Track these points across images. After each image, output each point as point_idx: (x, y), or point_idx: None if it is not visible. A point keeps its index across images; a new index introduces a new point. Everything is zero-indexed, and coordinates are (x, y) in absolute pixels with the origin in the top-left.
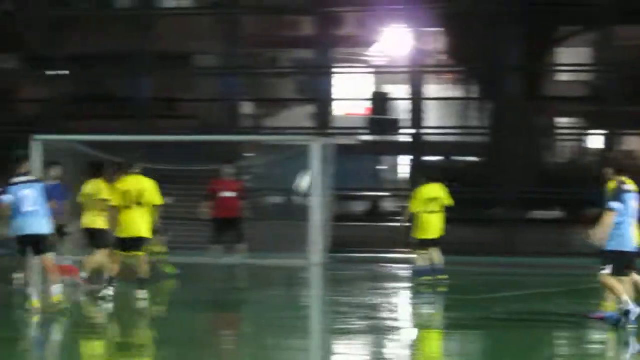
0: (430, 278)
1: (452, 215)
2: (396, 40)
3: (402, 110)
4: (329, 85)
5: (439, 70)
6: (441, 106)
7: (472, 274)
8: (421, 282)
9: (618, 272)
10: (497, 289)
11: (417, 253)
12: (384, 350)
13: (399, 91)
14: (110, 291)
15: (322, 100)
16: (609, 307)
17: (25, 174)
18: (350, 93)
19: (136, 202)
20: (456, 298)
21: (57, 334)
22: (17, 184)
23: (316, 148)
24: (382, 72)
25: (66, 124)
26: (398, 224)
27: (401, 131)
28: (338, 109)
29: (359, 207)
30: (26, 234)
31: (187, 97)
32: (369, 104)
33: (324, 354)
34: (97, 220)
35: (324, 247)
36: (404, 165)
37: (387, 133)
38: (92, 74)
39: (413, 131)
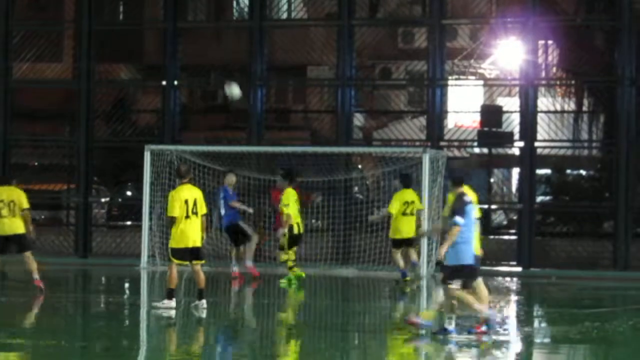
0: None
1: (563, 229)
2: (510, 53)
3: (514, 123)
4: (441, 97)
5: (552, 83)
6: (553, 119)
7: (582, 287)
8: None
9: (468, 284)
10: (607, 303)
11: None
12: None
13: (511, 104)
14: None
15: (435, 112)
16: (428, 316)
17: None
18: (462, 105)
19: (193, 212)
20: (565, 312)
21: None
22: None
23: (427, 160)
24: (495, 85)
25: (180, 134)
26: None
27: (513, 144)
28: (450, 121)
29: None
30: None
31: (299, 109)
32: (480, 117)
33: None
34: None
35: (432, 260)
36: (515, 178)
37: (499, 146)
38: (206, 85)
39: (524, 144)
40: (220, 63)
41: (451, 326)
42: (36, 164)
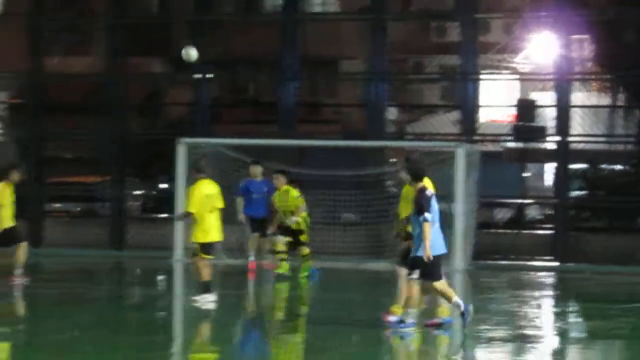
0: None
1: (598, 224)
2: (543, 47)
3: (548, 117)
4: (474, 92)
5: (586, 77)
6: (588, 114)
7: (617, 282)
8: None
9: (437, 276)
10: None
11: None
12: (526, 359)
13: (545, 98)
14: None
15: (468, 106)
16: (445, 312)
17: None
18: (496, 100)
19: (214, 207)
20: (600, 307)
21: None
22: None
23: (461, 154)
24: (528, 79)
25: (211, 127)
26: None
27: (547, 139)
28: (483, 116)
29: (504, 214)
30: None
31: (331, 102)
32: (514, 111)
33: None
34: None
35: (468, 254)
36: (548, 172)
37: (533, 140)
38: (237, 78)
39: (558, 139)
40: (251, 56)
41: (409, 319)
42: (70, 157)
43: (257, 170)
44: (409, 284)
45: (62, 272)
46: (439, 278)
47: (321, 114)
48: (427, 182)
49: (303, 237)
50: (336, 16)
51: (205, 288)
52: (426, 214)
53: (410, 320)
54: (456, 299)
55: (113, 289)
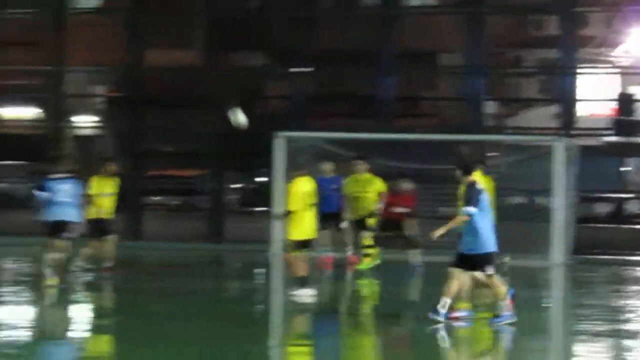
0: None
1: None
2: None
3: None
4: (573, 86)
5: None
6: None
7: None
8: None
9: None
10: None
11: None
12: (626, 355)
13: None
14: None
15: (566, 100)
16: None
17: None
18: (594, 93)
19: (310, 204)
20: None
21: None
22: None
23: (559, 149)
24: (628, 73)
25: (309, 121)
26: None
27: None
28: (582, 110)
29: (603, 208)
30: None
31: (429, 96)
32: (614, 105)
33: (565, 356)
34: None
35: (567, 249)
36: None
37: (632, 134)
38: (335, 72)
39: None
40: (350, 49)
41: (444, 310)
42: (169, 150)
43: (327, 167)
44: (485, 279)
45: (160, 265)
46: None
47: (419, 108)
48: (478, 177)
49: (372, 221)
50: (434, 9)
51: (303, 283)
52: (469, 208)
53: (506, 312)
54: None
55: (211, 282)
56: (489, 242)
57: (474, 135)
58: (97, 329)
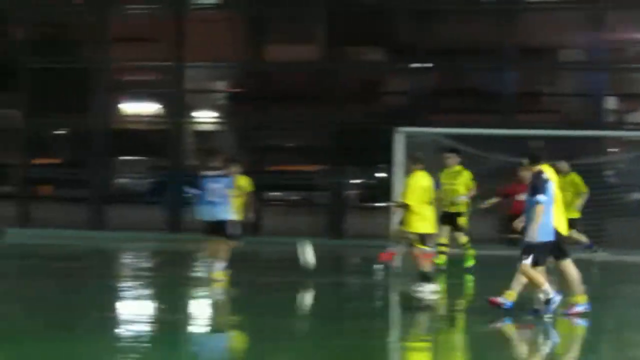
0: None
1: None
2: None
3: None
4: None
5: None
6: None
7: None
8: None
9: (540, 262)
10: None
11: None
12: None
13: None
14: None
15: None
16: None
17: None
18: None
19: (429, 199)
20: None
21: None
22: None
23: None
24: None
25: (428, 116)
26: None
27: None
28: None
29: None
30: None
31: (550, 92)
32: None
33: None
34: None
35: None
36: None
37: None
38: (455, 67)
39: None
40: (471, 45)
41: (541, 306)
42: (289, 145)
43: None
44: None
45: (280, 260)
46: (542, 264)
47: (540, 104)
48: (545, 167)
49: (462, 220)
50: (555, 5)
51: (426, 278)
52: (539, 196)
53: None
54: (547, 286)
55: (331, 277)
56: (538, 232)
57: (595, 131)
58: (226, 325)
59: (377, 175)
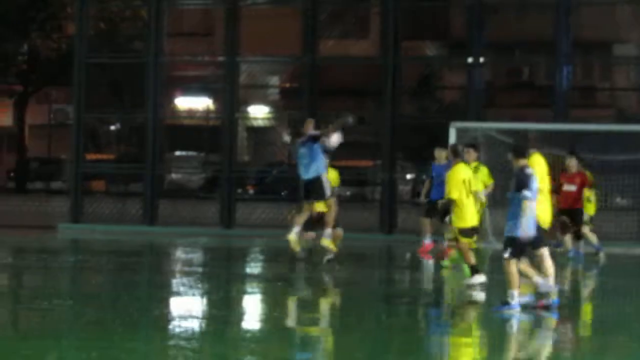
0: None
1: None
2: None
3: None
4: None
5: None
6: None
7: None
8: None
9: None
10: None
11: None
12: None
13: None
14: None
15: None
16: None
17: None
18: None
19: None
20: None
21: None
22: None
23: None
24: None
25: (485, 111)
26: None
27: None
28: None
29: None
30: None
31: (605, 86)
32: None
33: None
34: None
35: None
36: None
37: None
38: (511, 62)
39: None
40: (525, 40)
41: (514, 300)
42: (343, 141)
43: (441, 154)
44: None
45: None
46: (524, 257)
47: (595, 98)
48: (536, 160)
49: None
50: (610, 0)
51: (474, 270)
52: (525, 192)
53: (513, 303)
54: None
55: (381, 273)
56: (526, 227)
57: None
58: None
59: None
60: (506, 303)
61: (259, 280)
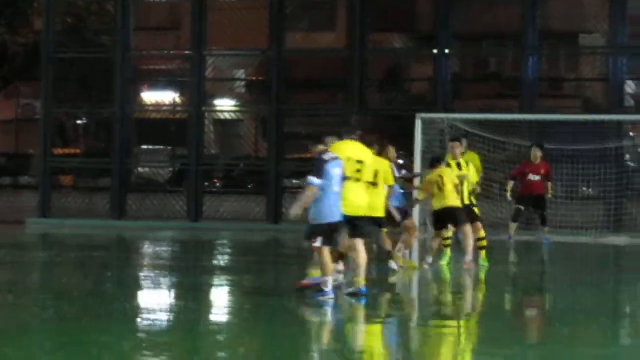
0: None
1: None
2: None
3: None
4: None
5: None
6: None
7: None
8: None
9: (330, 243)
10: None
11: None
12: None
13: None
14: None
15: None
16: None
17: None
18: None
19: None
20: None
21: None
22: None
23: None
24: None
25: (451, 102)
26: None
27: None
28: None
29: None
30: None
31: (572, 77)
32: None
33: None
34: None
35: None
36: None
37: None
38: (479, 53)
39: None
40: (493, 31)
41: (328, 287)
42: (311, 133)
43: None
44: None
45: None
46: (333, 244)
47: (562, 89)
48: (347, 146)
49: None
50: None
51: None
52: (310, 178)
53: (327, 289)
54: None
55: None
56: (323, 214)
57: (616, 116)
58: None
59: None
60: (321, 290)
61: (227, 273)
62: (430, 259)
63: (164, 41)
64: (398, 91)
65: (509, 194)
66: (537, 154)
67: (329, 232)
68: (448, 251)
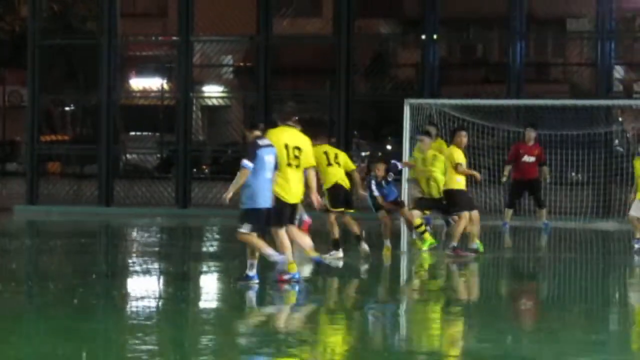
0: None
1: None
2: None
3: None
4: None
5: None
6: None
7: None
8: None
9: (257, 229)
10: None
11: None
12: None
13: None
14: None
15: None
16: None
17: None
18: None
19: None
20: None
21: None
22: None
23: None
24: None
25: (439, 88)
26: None
27: None
28: None
29: None
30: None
31: (559, 62)
32: None
33: None
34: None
35: None
36: None
37: None
38: (465, 39)
39: None
40: (479, 16)
41: (252, 272)
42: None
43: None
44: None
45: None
46: (260, 230)
47: (549, 74)
48: (282, 133)
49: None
50: None
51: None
52: (244, 161)
53: (250, 273)
54: (268, 250)
55: None
56: (254, 199)
57: (604, 101)
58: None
59: (387, 147)
60: (246, 276)
61: (215, 259)
62: (474, 245)
63: (151, 27)
64: (385, 77)
65: (504, 179)
66: (530, 135)
67: (258, 218)
68: (427, 236)
